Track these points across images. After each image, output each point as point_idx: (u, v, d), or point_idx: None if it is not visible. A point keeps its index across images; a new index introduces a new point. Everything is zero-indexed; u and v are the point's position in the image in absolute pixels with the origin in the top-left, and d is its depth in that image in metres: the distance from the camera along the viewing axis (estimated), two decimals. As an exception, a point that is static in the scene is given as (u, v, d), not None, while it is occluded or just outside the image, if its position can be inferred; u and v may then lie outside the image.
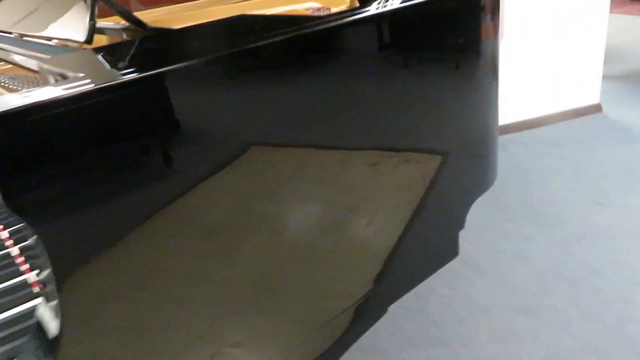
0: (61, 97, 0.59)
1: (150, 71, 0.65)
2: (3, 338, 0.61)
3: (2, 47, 1.04)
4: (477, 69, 1.15)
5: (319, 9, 1.63)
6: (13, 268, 0.68)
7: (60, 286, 0.62)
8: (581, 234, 2.04)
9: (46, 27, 0.90)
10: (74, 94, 0.60)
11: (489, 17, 1.08)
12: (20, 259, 0.70)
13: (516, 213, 2.24)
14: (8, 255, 0.70)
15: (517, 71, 2.93)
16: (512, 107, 3.00)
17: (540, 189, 2.41)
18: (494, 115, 1.32)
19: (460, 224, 1.26)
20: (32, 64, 0.85)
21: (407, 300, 1.81)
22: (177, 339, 0.74)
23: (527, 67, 2.94)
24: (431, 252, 1.21)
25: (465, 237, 2.16)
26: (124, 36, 0.91)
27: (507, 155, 2.78)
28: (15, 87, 0.89)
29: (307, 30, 0.79)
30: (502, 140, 2.95)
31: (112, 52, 0.79)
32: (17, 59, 0.94)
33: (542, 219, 2.17)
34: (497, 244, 2.05)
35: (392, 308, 1.78)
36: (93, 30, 0.71)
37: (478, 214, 2.31)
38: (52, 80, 0.70)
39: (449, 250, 1.24)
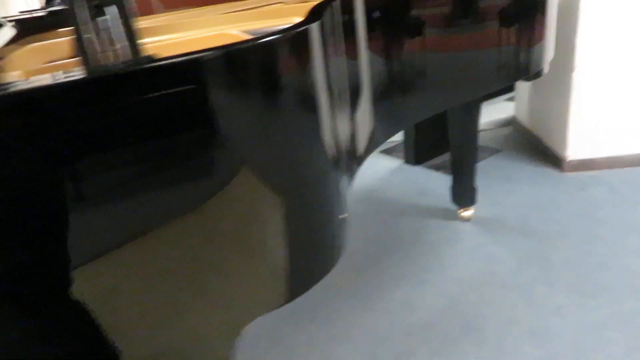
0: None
1: None
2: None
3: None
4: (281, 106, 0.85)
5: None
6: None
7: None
8: (626, 319, 1.62)
9: None
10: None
11: (298, 54, 0.80)
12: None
13: (560, 274, 1.85)
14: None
15: (617, 98, 2.42)
16: (607, 138, 2.50)
17: (607, 247, 1.97)
18: (314, 160, 0.92)
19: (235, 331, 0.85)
20: None
21: (384, 356, 1.58)
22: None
23: (632, 93, 2.42)
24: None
25: (480, 294, 1.83)
26: None
27: (582, 197, 2.33)
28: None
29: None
30: (584, 177, 2.48)
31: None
32: None
33: (590, 288, 1.77)
34: (516, 311, 1.71)
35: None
36: None
37: (510, 265, 1.94)
38: None
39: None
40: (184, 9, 1.80)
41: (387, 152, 3.02)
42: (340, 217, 0.99)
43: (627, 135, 2.48)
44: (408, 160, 2.87)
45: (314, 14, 0.89)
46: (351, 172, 1.12)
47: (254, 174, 0.80)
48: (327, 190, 0.94)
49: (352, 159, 1.11)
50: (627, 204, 2.24)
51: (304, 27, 0.80)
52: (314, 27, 0.82)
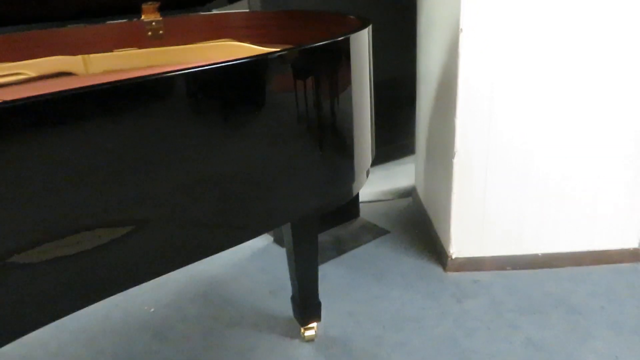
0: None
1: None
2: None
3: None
4: None
5: None
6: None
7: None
8: None
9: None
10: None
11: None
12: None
13: None
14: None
15: (506, 190, 2.02)
16: (495, 236, 2.09)
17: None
18: None
19: None
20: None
21: None
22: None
23: (523, 186, 2.02)
24: None
25: None
26: None
27: (454, 314, 1.91)
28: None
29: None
30: (467, 281, 2.08)
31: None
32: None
33: None
34: None
35: None
36: None
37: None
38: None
39: None
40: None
41: (259, 225, 2.57)
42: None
43: (518, 233, 2.08)
44: (277, 240, 2.43)
45: None
46: None
47: None
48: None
49: None
50: (502, 327, 1.82)
51: None
52: None
